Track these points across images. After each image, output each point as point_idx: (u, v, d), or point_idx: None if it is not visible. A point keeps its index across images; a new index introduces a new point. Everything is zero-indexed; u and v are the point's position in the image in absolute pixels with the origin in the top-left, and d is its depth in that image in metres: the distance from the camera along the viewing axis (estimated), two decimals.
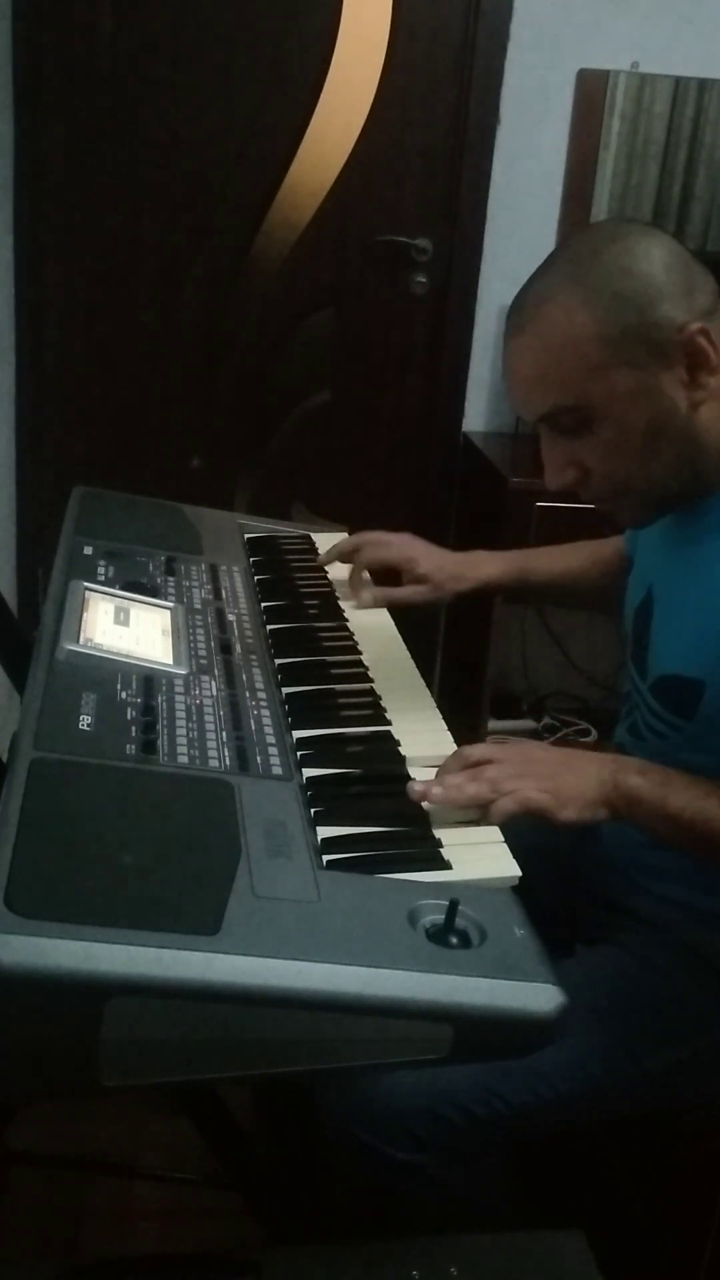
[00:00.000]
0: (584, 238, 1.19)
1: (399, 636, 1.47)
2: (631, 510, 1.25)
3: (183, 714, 1.13)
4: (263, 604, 1.47)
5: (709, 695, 1.17)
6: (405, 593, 1.55)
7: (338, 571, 1.61)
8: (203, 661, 1.26)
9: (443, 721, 1.25)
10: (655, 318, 1.12)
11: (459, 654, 2.98)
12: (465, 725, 2.58)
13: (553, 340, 1.14)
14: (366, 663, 1.37)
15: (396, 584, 1.57)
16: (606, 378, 1.13)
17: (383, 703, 1.27)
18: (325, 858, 0.97)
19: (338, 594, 1.56)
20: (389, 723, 1.23)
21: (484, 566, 1.56)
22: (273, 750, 1.12)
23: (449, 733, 1.22)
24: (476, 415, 3.00)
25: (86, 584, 1.34)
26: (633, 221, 1.22)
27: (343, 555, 1.60)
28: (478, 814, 1.05)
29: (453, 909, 0.91)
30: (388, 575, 1.59)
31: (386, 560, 1.56)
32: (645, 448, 1.16)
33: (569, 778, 1.09)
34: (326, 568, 1.62)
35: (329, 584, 1.59)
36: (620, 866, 1.35)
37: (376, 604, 1.54)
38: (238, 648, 1.32)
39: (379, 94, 2.73)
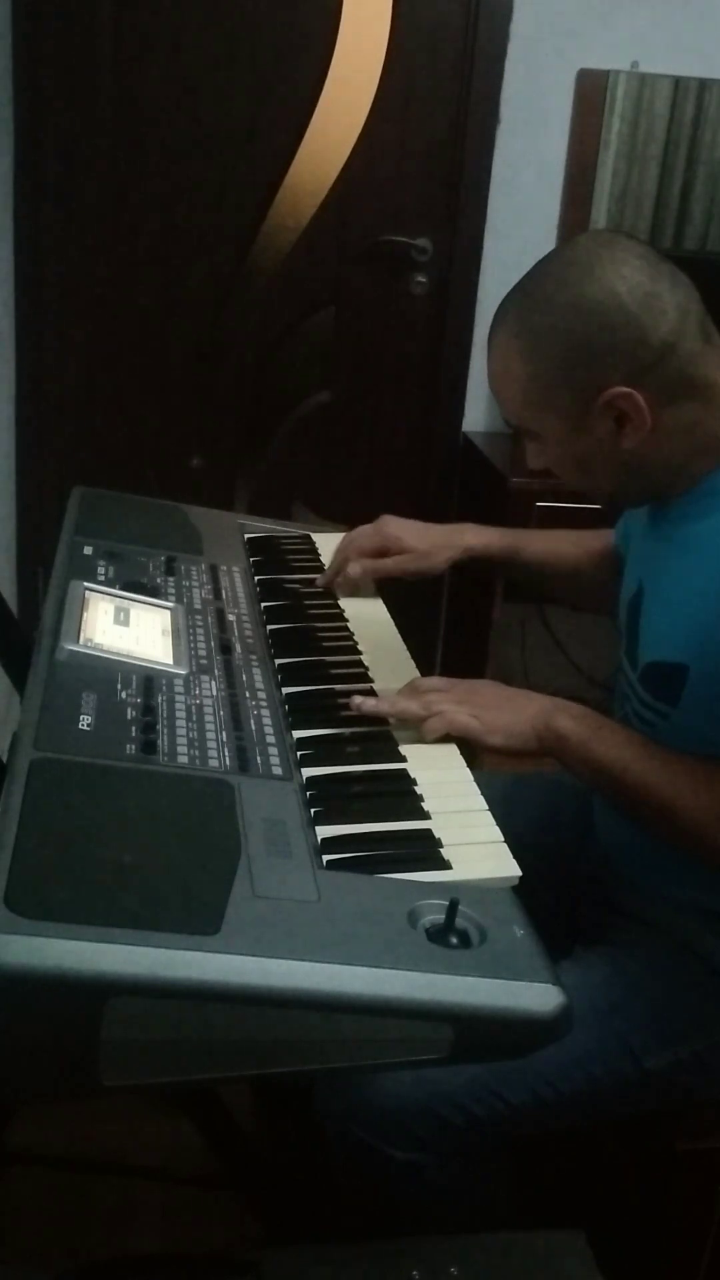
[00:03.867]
0: (550, 268, 1.20)
1: (399, 636, 1.47)
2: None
3: (183, 714, 1.13)
4: (263, 604, 1.47)
5: (692, 678, 1.18)
6: (391, 563, 1.52)
7: None
8: (203, 661, 1.26)
9: None
10: (583, 379, 1.16)
11: (459, 654, 2.98)
12: None
13: (497, 369, 1.23)
14: (366, 663, 1.37)
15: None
16: (538, 414, 1.22)
17: None
18: (325, 858, 0.97)
19: (337, 594, 1.56)
20: (389, 723, 1.22)
21: (470, 536, 1.54)
22: (273, 750, 1.12)
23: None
24: (476, 415, 3.00)
25: (86, 584, 1.34)
26: (610, 244, 1.17)
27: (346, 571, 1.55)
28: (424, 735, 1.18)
29: (453, 909, 0.91)
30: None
31: (373, 546, 1.54)
32: (581, 472, 1.24)
33: (503, 710, 1.19)
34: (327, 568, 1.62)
35: None
36: (620, 866, 1.35)
37: (365, 574, 1.52)
38: (238, 648, 1.32)
39: (379, 94, 2.73)
